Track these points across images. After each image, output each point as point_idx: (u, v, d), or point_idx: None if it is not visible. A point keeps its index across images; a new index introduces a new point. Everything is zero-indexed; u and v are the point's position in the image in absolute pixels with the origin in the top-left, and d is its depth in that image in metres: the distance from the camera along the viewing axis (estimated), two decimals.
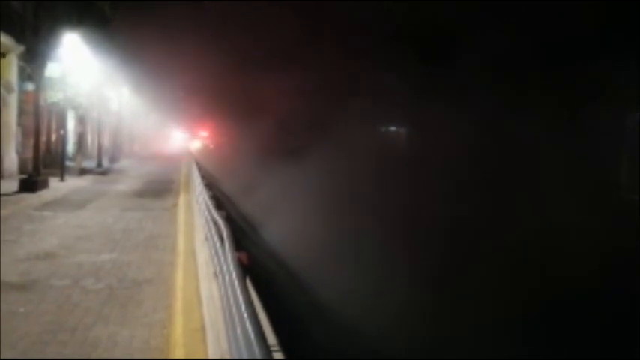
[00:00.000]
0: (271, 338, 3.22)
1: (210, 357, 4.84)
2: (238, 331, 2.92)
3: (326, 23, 46.61)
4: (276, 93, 46.94)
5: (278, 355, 3.34)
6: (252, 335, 2.63)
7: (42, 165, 21.77)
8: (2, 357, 5.03)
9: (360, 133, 41.12)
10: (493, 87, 29.64)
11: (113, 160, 36.71)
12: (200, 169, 18.02)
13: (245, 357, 2.72)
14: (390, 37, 40.26)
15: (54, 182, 20.18)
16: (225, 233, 5.19)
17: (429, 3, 39.13)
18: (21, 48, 22.57)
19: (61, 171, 21.94)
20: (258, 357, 2.53)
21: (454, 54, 32.89)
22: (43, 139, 26.09)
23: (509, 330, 11.38)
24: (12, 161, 22.66)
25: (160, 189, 20.84)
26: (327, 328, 10.83)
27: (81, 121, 30.43)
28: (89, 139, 38.73)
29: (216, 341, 4.56)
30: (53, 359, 5.17)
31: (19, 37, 22.17)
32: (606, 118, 26.95)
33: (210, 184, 12.12)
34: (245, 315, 2.89)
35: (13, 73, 22.80)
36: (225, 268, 4.28)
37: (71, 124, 31.93)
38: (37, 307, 6.33)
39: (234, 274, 3.74)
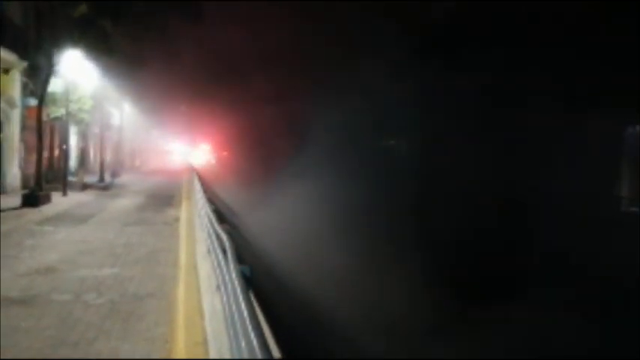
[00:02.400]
0: (275, 352, 3.19)
1: None
2: (242, 343, 2.89)
3: (327, 35, 46.87)
4: (277, 106, 47.14)
5: None
6: (256, 348, 2.60)
7: (44, 180, 21.80)
8: None
9: (362, 147, 41.31)
10: (492, 95, 29.73)
11: (115, 174, 36.73)
12: (201, 183, 18.01)
13: None
14: (390, 44, 40.41)
15: (56, 197, 20.18)
16: (227, 246, 5.17)
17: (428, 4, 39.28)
18: (24, 64, 22.70)
19: (63, 186, 21.97)
20: None
21: (453, 57, 33.02)
22: (46, 154, 26.13)
23: None
24: (14, 176, 22.70)
25: (161, 203, 20.82)
26: (332, 340, 10.82)
27: (83, 136, 30.57)
28: (91, 154, 38.86)
29: (218, 354, 4.53)
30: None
31: (21, 54, 22.31)
32: (606, 128, 26.99)
33: (211, 199, 12.10)
34: (249, 328, 2.86)
35: (15, 89, 22.91)
36: (228, 281, 4.25)
37: (73, 140, 32.03)
38: (39, 322, 6.30)
39: (237, 287, 3.72)
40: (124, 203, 20.84)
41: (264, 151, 46.58)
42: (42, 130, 21.18)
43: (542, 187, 26.54)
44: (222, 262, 5.10)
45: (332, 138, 41.08)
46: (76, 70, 22.12)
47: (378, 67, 40.98)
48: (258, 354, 2.55)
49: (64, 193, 21.55)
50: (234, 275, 4.06)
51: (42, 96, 21.17)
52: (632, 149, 26.50)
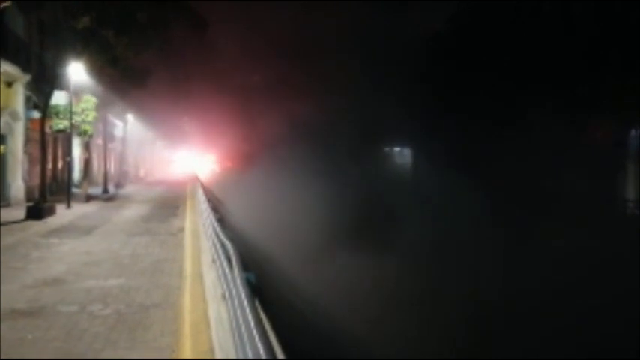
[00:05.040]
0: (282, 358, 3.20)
1: None
2: (249, 351, 2.89)
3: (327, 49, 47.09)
4: (279, 115, 47.22)
5: None
6: (263, 355, 2.61)
7: (48, 192, 21.86)
8: None
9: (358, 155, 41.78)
10: (496, 101, 29.80)
11: (119, 186, 36.82)
12: (205, 192, 18.03)
13: None
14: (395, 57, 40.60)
15: (60, 209, 20.23)
16: (232, 255, 5.18)
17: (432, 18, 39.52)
18: (27, 77, 22.81)
19: (68, 198, 22.00)
20: None
21: (457, 61, 33.12)
22: (49, 166, 26.24)
23: None
24: (19, 189, 22.76)
25: (165, 214, 20.85)
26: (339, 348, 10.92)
27: (87, 148, 30.61)
28: (95, 165, 38.91)
29: None
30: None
31: (25, 66, 22.43)
32: (610, 132, 27.00)
33: (215, 207, 12.11)
34: (255, 335, 2.87)
35: (19, 102, 23.02)
36: (233, 289, 4.26)
37: (77, 151, 32.13)
38: (46, 333, 6.31)
39: (243, 295, 3.73)
40: (128, 214, 20.87)
41: (266, 163, 46.74)
42: (45, 143, 21.27)
43: (546, 189, 26.66)
44: (227, 271, 5.11)
45: (333, 148, 41.88)
46: (79, 82, 22.25)
47: (380, 74, 41.20)
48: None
49: (69, 205, 21.59)
50: (239, 283, 4.07)
51: (45, 108, 21.26)
52: (636, 152, 26.49)
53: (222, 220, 9.05)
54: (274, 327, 3.83)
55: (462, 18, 36.32)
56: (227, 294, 4.75)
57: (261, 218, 26.42)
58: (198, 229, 14.61)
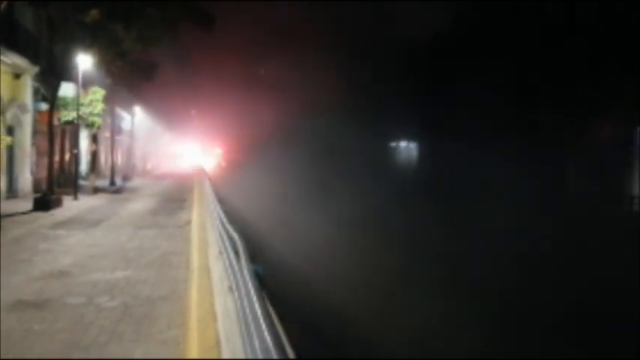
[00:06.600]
0: (290, 352, 3.15)
1: None
2: (256, 344, 2.85)
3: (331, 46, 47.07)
4: (283, 109, 47.27)
5: None
6: (271, 347, 2.56)
7: (55, 184, 21.88)
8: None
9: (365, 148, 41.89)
10: (504, 100, 29.65)
11: (126, 178, 36.85)
12: (212, 185, 18.01)
13: None
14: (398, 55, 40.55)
15: (67, 201, 20.26)
16: (240, 247, 5.14)
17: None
18: (35, 69, 22.83)
19: (75, 190, 22.04)
20: None
21: (467, 70, 33.02)
22: (57, 158, 26.27)
23: None
24: (26, 181, 22.81)
25: (172, 207, 20.85)
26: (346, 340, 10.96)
27: (94, 140, 30.65)
28: (102, 158, 38.99)
29: (232, 355, 4.49)
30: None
31: (33, 59, 22.44)
32: (611, 131, 26.88)
33: (222, 199, 12.07)
34: (263, 327, 2.82)
35: (27, 94, 23.04)
36: (241, 281, 4.22)
37: (84, 144, 32.18)
38: (52, 325, 6.29)
39: (250, 287, 3.68)
40: (135, 207, 20.87)
41: (271, 157, 46.84)
42: (53, 135, 21.28)
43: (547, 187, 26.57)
44: (235, 263, 5.07)
45: (335, 143, 42.38)
46: (87, 74, 22.26)
47: (383, 69, 41.18)
48: (274, 354, 2.51)
49: (76, 197, 21.63)
50: (246, 276, 4.02)
51: (53, 100, 21.26)
52: None
53: (228, 212, 9.01)
54: (282, 320, 3.79)
55: (462, 18, 36.18)
56: (234, 286, 4.71)
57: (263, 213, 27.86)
58: (205, 221, 14.60)
